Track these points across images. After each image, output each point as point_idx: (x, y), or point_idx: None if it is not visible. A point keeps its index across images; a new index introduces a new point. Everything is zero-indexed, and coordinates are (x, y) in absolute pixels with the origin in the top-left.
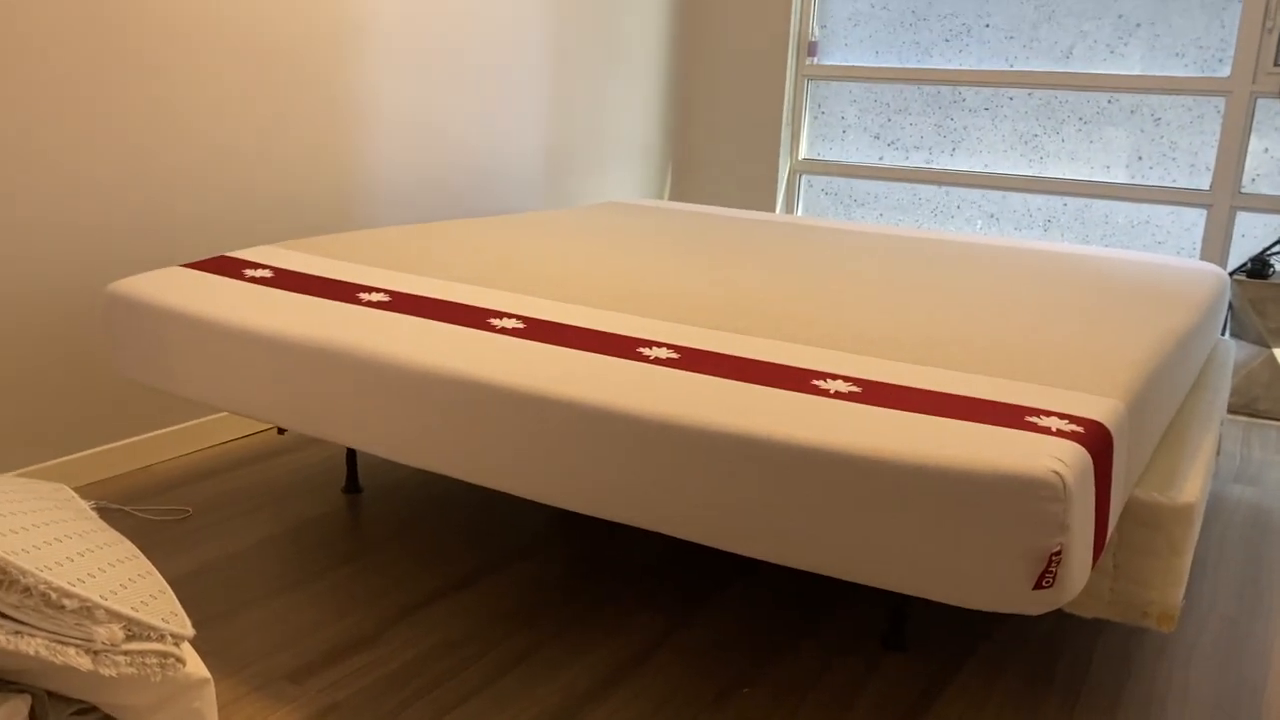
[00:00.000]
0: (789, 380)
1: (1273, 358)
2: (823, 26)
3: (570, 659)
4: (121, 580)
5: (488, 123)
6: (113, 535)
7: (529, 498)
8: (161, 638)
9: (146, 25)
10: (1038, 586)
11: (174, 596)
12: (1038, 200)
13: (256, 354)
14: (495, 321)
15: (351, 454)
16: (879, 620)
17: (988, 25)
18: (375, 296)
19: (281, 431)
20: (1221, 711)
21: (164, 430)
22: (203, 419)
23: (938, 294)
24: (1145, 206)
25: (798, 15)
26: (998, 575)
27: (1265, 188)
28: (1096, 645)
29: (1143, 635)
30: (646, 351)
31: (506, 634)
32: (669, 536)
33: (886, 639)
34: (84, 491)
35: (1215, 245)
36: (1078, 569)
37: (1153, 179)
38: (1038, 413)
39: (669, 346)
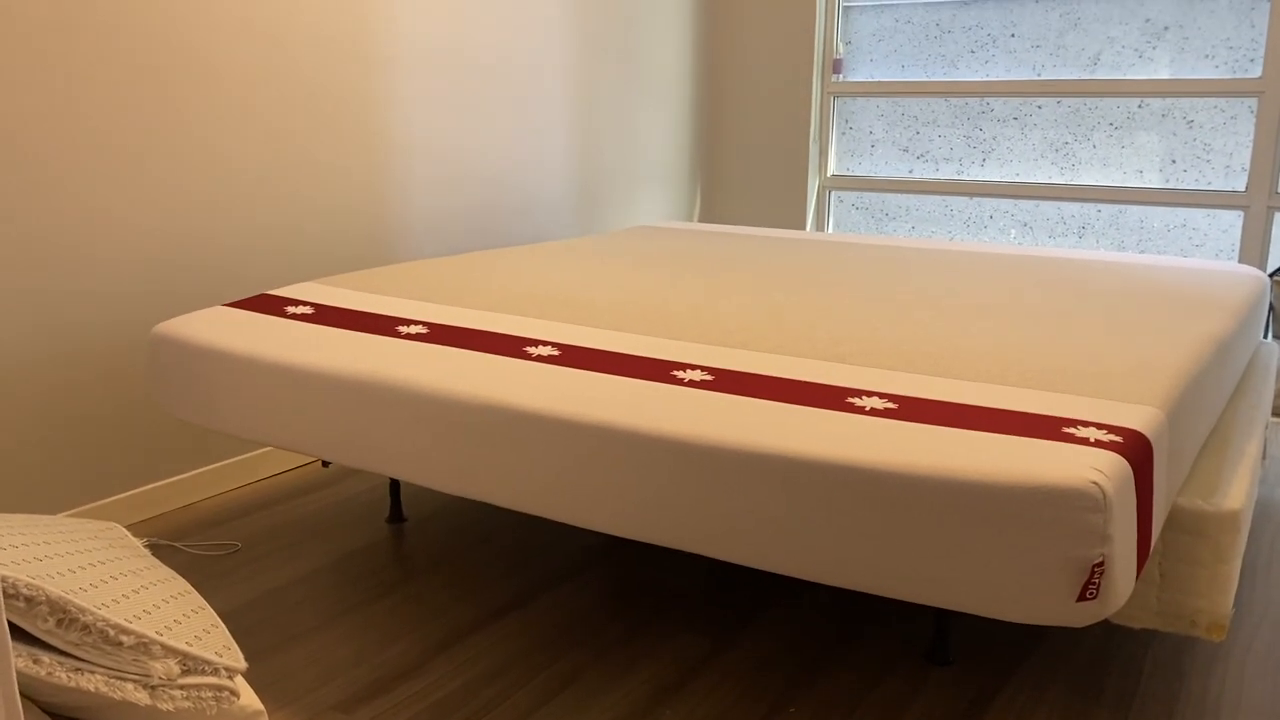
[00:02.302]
0: (825, 399)
1: None
2: (847, 43)
3: (614, 684)
4: (175, 616)
5: (519, 152)
6: (165, 572)
7: (570, 523)
8: (216, 671)
9: (187, 68)
10: (1081, 599)
11: (226, 631)
12: (1071, 208)
13: (300, 389)
14: (531, 349)
15: (395, 484)
16: (922, 635)
17: (1013, 35)
18: (414, 329)
19: (326, 464)
20: None
21: (209, 467)
22: (247, 454)
23: (972, 307)
24: (1181, 210)
25: (822, 33)
26: (1040, 588)
27: None
28: (1147, 656)
29: (1194, 645)
30: (681, 374)
31: (550, 660)
32: (706, 558)
33: (930, 653)
34: (134, 529)
35: (1254, 247)
36: (1122, 580)
37: (1187, 182)
38: (1075, 423)
39: (703, 369)
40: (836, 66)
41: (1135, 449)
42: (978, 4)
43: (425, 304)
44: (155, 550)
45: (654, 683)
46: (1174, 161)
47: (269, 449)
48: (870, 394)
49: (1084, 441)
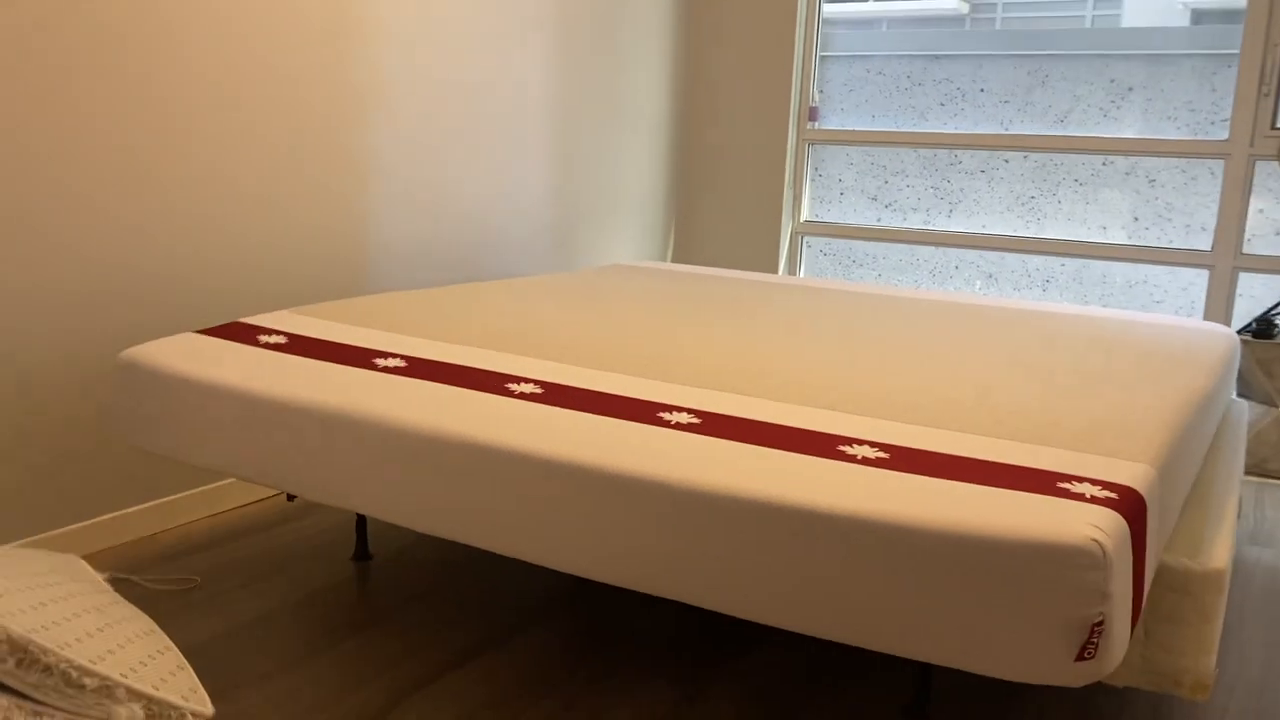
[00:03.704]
0: (816, 446)
1: None
2: (820, 91)
3: None
4: (140, 657)
5: (493, 187)
6: (130, 609)
7: (550, 566)
8: (182, 716)
9: (156, 93)
10: (1080, 658)
11: (193, 673)
12: (1036, 261)
13: (273, 421)
14: (513, 386)
15: (361, 520)
16: (898, 686)
17: (982, 90)
18: (391, 362)
19: (291, 498)
20: None
21: (169, 498)
22: (208, 485)
23: (956, 357)
24: (1143, 267)
25: (799, 79)
26: (1038, 647)
27: (1260, 248)
28: (1123, 715)
29: (1171, 704)
30: (667, 416)
31: (523, 705)
32: (676, 601)
33: (908, 709)
34: (91, 560)
35: (1218, 306)
36: (1118, 639)
37: (1149, 239)
38: (1069, 479)
39: (690, 411)
40: (812, 114)
41: (1131, 506)
42: (948, 58)
43: (402, 337)
44: (112, 584)
45: None
46: (1136, 219)
47: (229, 480)
48: (861, 442)
49: (1080, 498)
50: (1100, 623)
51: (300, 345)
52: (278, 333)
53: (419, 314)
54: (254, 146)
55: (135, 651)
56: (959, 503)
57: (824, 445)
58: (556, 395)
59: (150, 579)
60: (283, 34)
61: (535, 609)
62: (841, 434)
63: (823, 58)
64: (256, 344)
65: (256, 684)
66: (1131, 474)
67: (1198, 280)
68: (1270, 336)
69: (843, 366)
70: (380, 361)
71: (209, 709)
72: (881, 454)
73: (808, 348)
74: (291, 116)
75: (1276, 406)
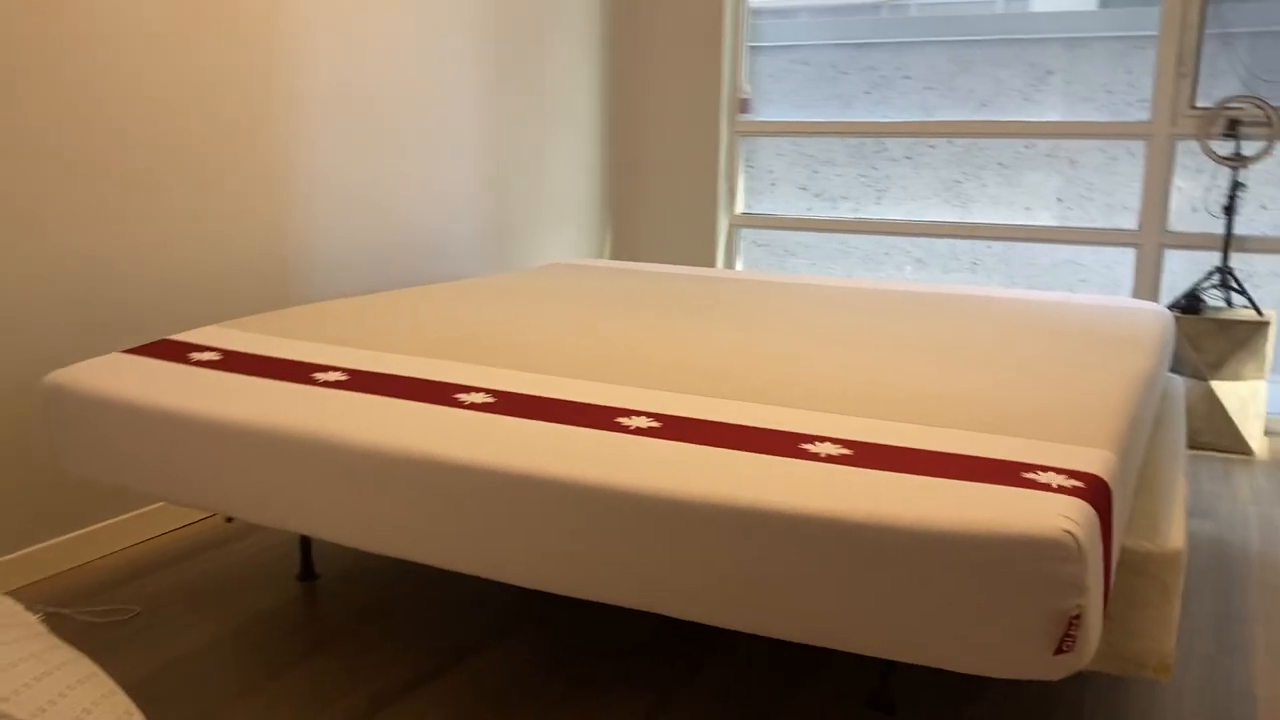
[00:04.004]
0: (778, 446)
1: (1210, 391)
2: (748, 83)
3: None
4: (85, 704)
5: (425, 189)
6: (69, 652)
7: (507, 581)
8: None
9: (70, 103)
10: (1059, 651)
11: (143, 717)
12: (963, 245)
13: (208, 442)
14: (463, 397)
15: (306, 539)
16: (862, 680)
17: (906, 77)
18: (332, 376)
19: (230, 519)
20: None
21: (100, 524)
22: (142, 509)
23: (906, 347)
24: (1068, 248)
25: (729, 72)
26: (1017, 642)
27: (1178, 225)
28: (1085, 698)
29: (1129, 685)
30: (626, 421)
31: None
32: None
33: (873, 702)
34: (18, 596)
35: (1146, 283)
36: (1094, 629)
37: (1072, 220)
38: (1033, 468)
39: (649, 415)
40: (744, 106)
41: (1097, 494)
42: (872, 46)
43: (342, 348)
44: (45, 620)
45: None
46: (1060, 200)
47: (164, 504)
48: (823, 439)
49: (1046, 487)
50: (1078, 615)
51: (235, 361)
52: (209, 349)
53: (357, 323)
54: (174, 155)
55: (79, 699)
56: (928, 499)
57: (786, 444)
58: (510, 404)
59: (84, 611)
60: (205, 40)
61: (496, 624)
62: (802, 432)
63: (750, 49)
64: (188, 362)
65: (205, 718)
66: (1094, 460)
67: (1121, 259)
68: (1198, 312)
69: (798, 362)
70: (320, 376)
71: None
72: (844, 451)
73: (760, 344)
74: (213, 123)
75: (1205, 380)
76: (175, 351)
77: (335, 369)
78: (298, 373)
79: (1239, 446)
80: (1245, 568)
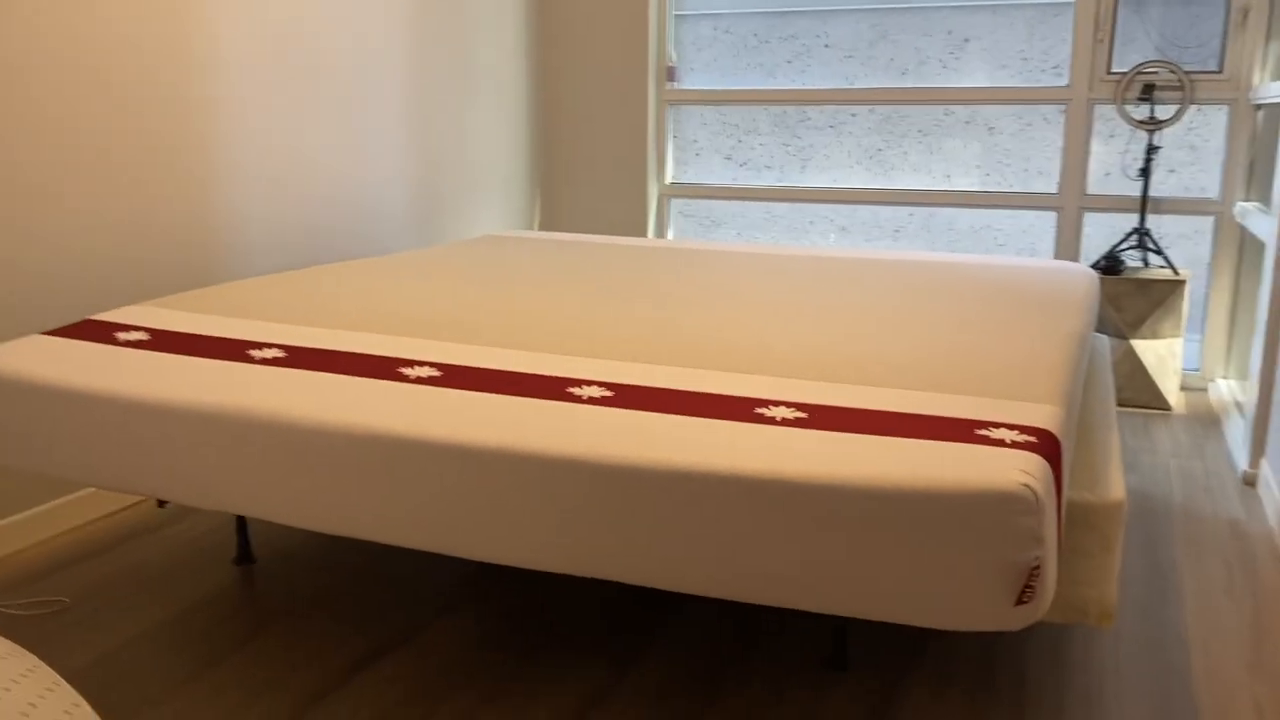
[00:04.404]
0: (733, 410)
1: (1131, 349)
2: (674, 51)
3: None
4: (30, 698)
5: (350, 162)
6: (7, 645)
7: (461, 555)
8: None
9: None
10: (1019, 602)
11: (89, 708)
12: (885, 212)
13: (142, 424)
14: (408, 370)
15: (242, 522)
16: (818, 638)
17: (827, 46)
18: (269, 353)
19: (162, 504)
20: (1156, 700)
21: (26, 513)
22: (69, 496)
23: (850, 312)
24: (986, 213)
25: (655, 40)
26: (979, 595)
27: (1095, 188)
28: (1028, 649)
29: (1070, 634)
30: (578, 391)
31: (438, 703)
32: (591, 583)
33: (829, 660)
34: None
35: (1068, 245)
36: (1050, 579)
37: (990, 185)
38: (986, 425)
39: (601, 384)
40: (670, 74)
41: (1049, 448)
42: (794, 14)
43: (277, 325)
44: None
45: (557, 718)
46: (978, 166)
47: (92, 490)
48: (778, 403)
49: (1000, 443)
50: (1038, 566)
51: (164, 341)
52: (136, 328)
53: (291, 299)
54: (82, 128)
55: (23, 693)
56: (887, 458)
57: (742, 410)
58: (458, 377)
59: (13, 604)
60: (119, 9)
61: (442, 603)
62: (757, 397)
63: (675, 17)
64: (115, 342)
65: (146, 709)
66: (1044, 416)
67: (1037, 223)
68: (1118, 272)
69: (746, 329)
70: (256, 353)
71: None
72: (800, 414)
73: (706, 312)
74: (128, 97)
75: (1126, 339)
76: (99, 332)
77: (272, 346)
78: (232, 350)
79: (1158, 402)
80: (1168, 519)
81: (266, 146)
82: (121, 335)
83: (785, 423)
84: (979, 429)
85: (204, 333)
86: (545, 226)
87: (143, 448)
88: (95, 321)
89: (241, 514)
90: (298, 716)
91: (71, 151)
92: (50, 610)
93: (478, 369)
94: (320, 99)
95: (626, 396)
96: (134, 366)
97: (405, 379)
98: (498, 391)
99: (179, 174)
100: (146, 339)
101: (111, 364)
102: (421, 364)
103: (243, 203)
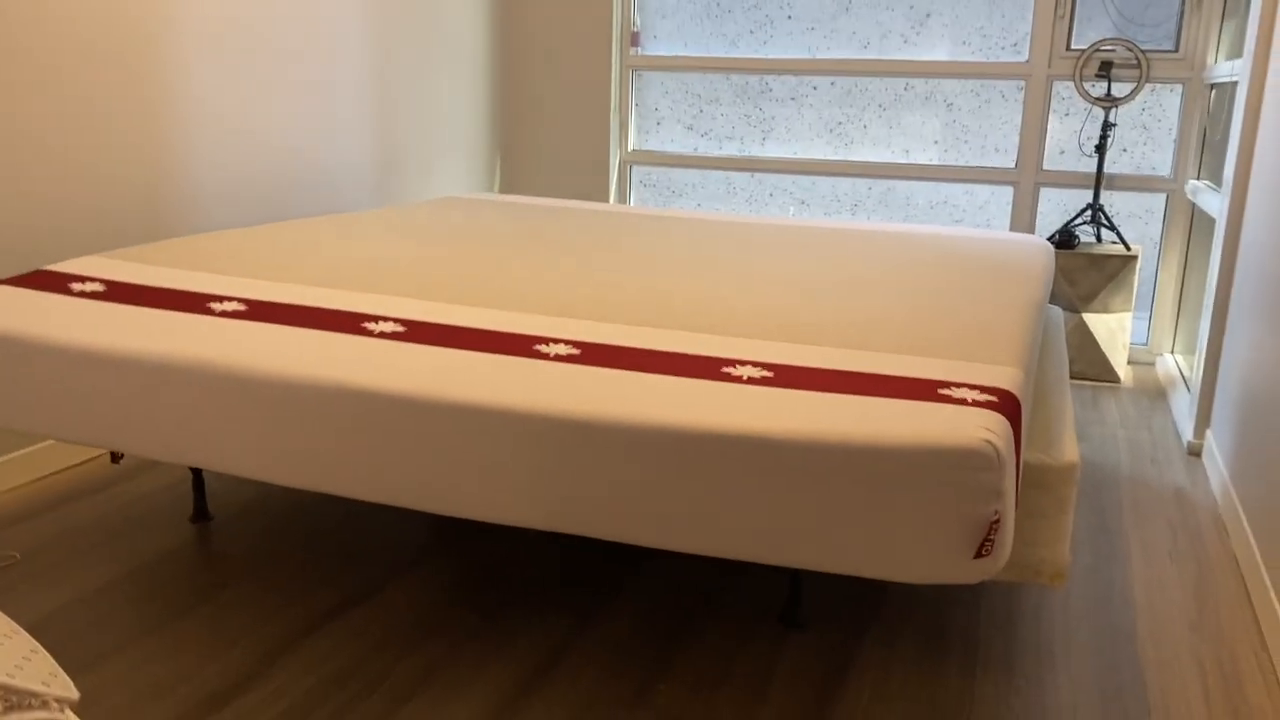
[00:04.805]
0: (700, 369)
1: (1083, 322)
2: (636, 16)
3: (475, 675)
4: (16, 660)
5: (310, 120)
6: None
7: (419, 508)
8: (45, 704)
9: None
10: (978, 555)
11: (49, 655)
12: (845, 185)
13: (99, 375)
14: (371, 326)
15: (199, 478)
16: (774, 597)
17: (790, 17)
18: (229, 306)
19: (116, 459)
20: (1103, 656)
21: None
22: (21, 450)
23: (815, 278)
24: (943, 187)
25: (620, 4)
26: (940, 548)
27: (1050, 164)
28: (980, 606)
29: (1021, 593)
30: (545, 349)
31: (400, 656)
32: (552, 537)
33: (784, 616)
34: None
35: (1024, 219)
36: (1009, 534)
37: (948, 159)
38: (948, 385)
39: (568, 342)
40: (634, 39)
41: (1009, 407)
42: None
43: (237, 279)
44: None
45: (515, 673)
46: (936, 142)
47: (46, 443)
48: (744, 363)
49: (962, 402)
50: (997, 520)
51: (121, 292)
52: (92, 279)
53: (250, 254)
54: (41, 82)
55: (8, 654)
56: (852, 415)
57: (708, 368)
58: (422, 333)
59: None
60: None
61: (404, 556)
62: (723, 356)
63: None
64: (69, 293)
65: (102, 663)
66: (1004, 377)
67: (993, 198)
68: (1072, 246)
69: (712, 292)
70: (216, 306)
71: (74, 693)
72: (766, 373)
73: (671, 275)
74: (88, 47)
75: (1078, 312)
76: (54, 282)
77: (232, 299)
78: (192, 303)
79: (1107, 375)
80: (1116, 487)
81: (223, 105)
82: (76, 286)
83: (752, 381)
84: (941, 388)
85: (162, 285)
86: (505, 191)
87: (102, 399)
88: (48, 272)
89: (202, 467)
90: (259, 671)
91: (21, 106)
92: (1, 565)
93: (443, 325)
94: (281, 58)
95: (593, 354)
96: (90, 317)
97: (369, 334)
98: (463, 348)
99: (132, 130)
100: (102, 290)
101: (67, 314)
102: (385, 319)
103: (198, 160)
